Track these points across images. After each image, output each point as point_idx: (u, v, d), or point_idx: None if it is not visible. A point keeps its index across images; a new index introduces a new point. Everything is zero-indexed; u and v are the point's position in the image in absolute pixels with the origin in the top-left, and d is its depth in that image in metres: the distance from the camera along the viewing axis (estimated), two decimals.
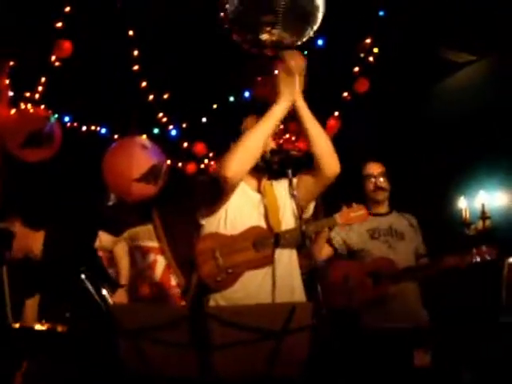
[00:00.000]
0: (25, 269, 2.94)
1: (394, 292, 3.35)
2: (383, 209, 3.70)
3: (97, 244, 3.95)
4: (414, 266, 3.48)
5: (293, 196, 2.26)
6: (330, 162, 2.39)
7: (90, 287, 3.23)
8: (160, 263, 5.67)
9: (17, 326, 2.60)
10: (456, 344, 3.97)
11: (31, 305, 3.21)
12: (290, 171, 2.33)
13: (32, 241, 3.27)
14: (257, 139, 2.32)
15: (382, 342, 3.20)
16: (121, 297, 4.12)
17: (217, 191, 2.35)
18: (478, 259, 3.27)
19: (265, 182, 2.60)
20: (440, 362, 3.37)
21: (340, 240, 3.60)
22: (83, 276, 3.09)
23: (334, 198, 3.39)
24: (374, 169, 3.70)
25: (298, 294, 2.47)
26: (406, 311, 3.36)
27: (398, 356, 3.21)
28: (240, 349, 1.69)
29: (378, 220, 3.62)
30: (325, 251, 3.61)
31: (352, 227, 3.52)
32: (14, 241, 2.71)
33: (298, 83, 2.34)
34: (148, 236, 5.71)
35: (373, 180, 3.66)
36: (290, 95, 2.34)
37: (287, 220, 2.52)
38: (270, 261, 2.43)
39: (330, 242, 3.62)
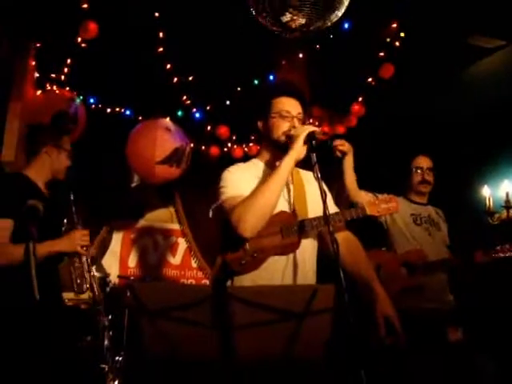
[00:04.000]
0: None
1: (429, 278, 3.54)
2: (423, 200, 3.87)
3: None
4: (443, 258, 3.61)
5: (317, 179, 2.24)
6: None
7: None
8: (181, 245, 5.72)
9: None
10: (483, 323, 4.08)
11: None
12: (314, 155, 2.31)
13: None
14: (271, 194, 2.32)
15: (420, 321, 3.32)
16: None
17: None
18: (502, 255, 3.45)
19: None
20: (470, 338, 3.58)
21: (389, 216, 3.70)
22: None
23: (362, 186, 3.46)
24: (424, 162, 3.86)
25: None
26: (438, 295, 3.57)
27: (435, 333, 3.40)
28: (261, 329, 1.69)
29: (419, 207, 3.81)
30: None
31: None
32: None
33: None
34: (170, 218, 5.75)
35: (421, 173, 3.82)
36: (300, 149, 2.35)
37: (315, 207, 2.51)
38: (295, 248, 2.42)
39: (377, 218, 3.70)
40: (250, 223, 2.27)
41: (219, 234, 2.48)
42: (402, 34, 4.71)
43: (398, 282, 3.52)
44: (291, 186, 2.54)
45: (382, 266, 3.56)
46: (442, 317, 3.50)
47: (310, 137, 2.33)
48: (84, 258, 3.27)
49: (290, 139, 2.40)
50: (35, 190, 3.13)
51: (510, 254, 3.45)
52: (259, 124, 2.59)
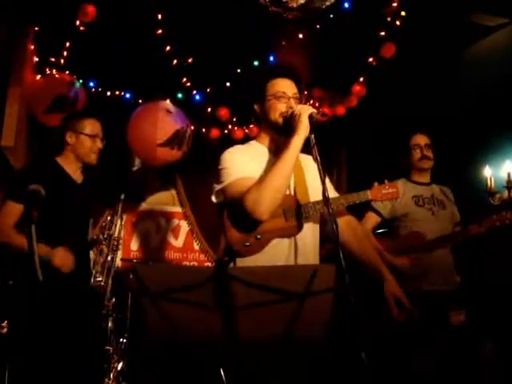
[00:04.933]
0: None
1: (431, 260, 3.57)
2: (426, 179, 3.90)
3: None
4: (443, 235, 3.63)
5: (316, 160, 2.23)
6: None
7: None
8: (183, 228, 5.73)
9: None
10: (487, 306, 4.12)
11: None
12: (312, 136, 2.31)
13: None
14: (283, 176, 2.32)
15: (422, 303, 3.36)
16: None
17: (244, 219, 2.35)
18: (498, 224, 3.49)
19: None
20: (473, 321, 3.62)
21: (388, 204, 3.72)
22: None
23: (363, 171, 3.46)
24: (422, 139, 3.89)
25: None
26: (442, 276, 3.59)
27: (437, 315, 3.43)
28: (263, 310, 1.70)
29: (421, 188, 3.83)
30: (370, 220, 3.77)
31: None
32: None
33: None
34: (171, 201, 5.76)
35: (419, 150, 3.85)
36: (307, 128, 2.33)
37: (315, 191, 2.51)
38: (298, 230, 2.43)
39: (375, 209, 3.76)
40: (265, 206, 2.28)
41: (221, 216, 2.49)
42: (403, 13, 4.66)
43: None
44: None
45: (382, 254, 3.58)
46: (444, 299, 3.52)
47: (309, 117, 2.33)
48: (110, 258, 3.38)
49: (292, 118, 2.39)
50: (62, 175, 3.33)
51: (508, 221, 3.49)
52: (256, 107, 2.59)
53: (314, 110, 2.36)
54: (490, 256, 4.41)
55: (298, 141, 2.33)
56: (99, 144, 3.49)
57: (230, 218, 2.44)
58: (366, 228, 3.69)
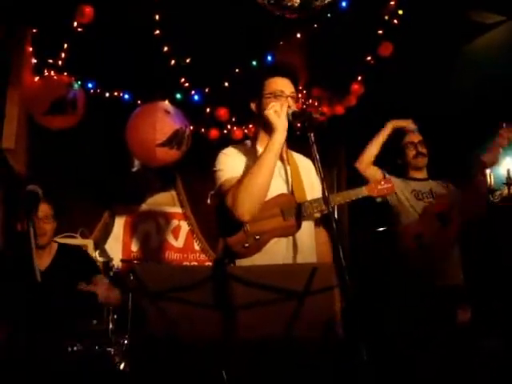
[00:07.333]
0: None
1: (441, 252, 3.55)
2: (423, 175, 3.90)
3: None
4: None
5: (315, 159, 2.24)
6: None
7: None
8: (184, 228, 5.74)
9: None
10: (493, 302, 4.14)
11: None
12: (312, 135, 2.31)
13: None
14: (263, 175, 2.31)
15: (432, 299, 3.40)
16: None
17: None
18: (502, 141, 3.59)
19: (285, 149, 2.60)
20: (478, 318, 3.61)
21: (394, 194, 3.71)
22: None
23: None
24: (414, 137, 3.89)
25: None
26: (450, 270, 3.58)
27: (445, 312, 3.43)
28: (262, 309, 1.71)
29: (419, 184, 3.83)
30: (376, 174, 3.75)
31: (398, 187, 3.67)
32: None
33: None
34: (171, 202, 5.76)
35: (413, 147, 3.86)
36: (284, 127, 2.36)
37: (310, 189, 2.52)
38: (296, 229, 2.43)
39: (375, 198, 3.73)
40: (246, 207, 2.28)
41: (217, 218, 2.49)
42: (401, 12, 4.67)
43: (445, 242, 3.57)
44: (288, 168, 2.54)
45: (423, 235, 3.58)
46: (451, 294, 3.50)
47: (305, 117, 2.34)
48: None
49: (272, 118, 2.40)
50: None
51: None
52: (252, 105, 2.59)
53: (292, 109, 2.39)
54: (499, 251, 4.41)
55: (277, 140, 2.34)
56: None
57: (219, 219, 2.44)
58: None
